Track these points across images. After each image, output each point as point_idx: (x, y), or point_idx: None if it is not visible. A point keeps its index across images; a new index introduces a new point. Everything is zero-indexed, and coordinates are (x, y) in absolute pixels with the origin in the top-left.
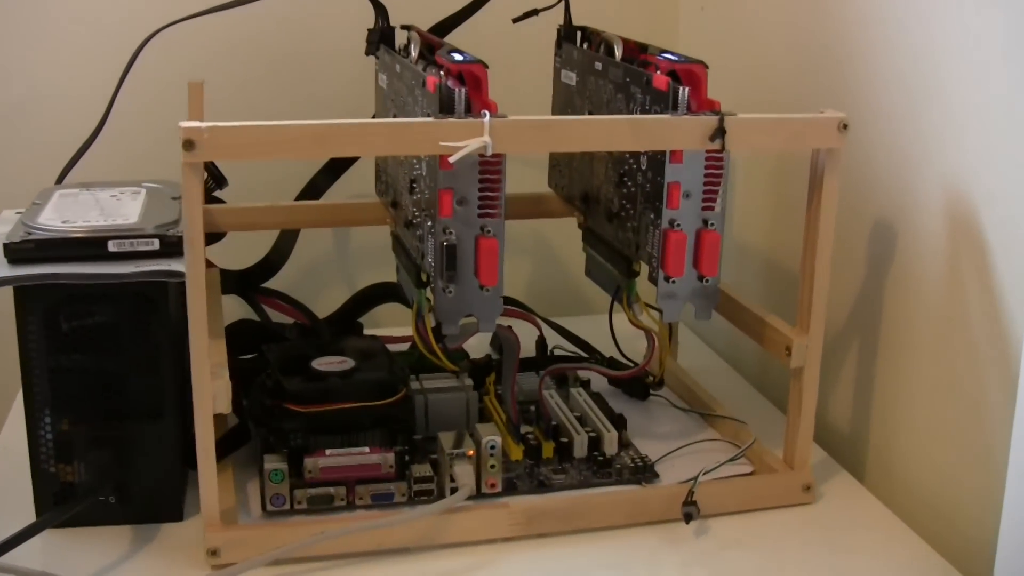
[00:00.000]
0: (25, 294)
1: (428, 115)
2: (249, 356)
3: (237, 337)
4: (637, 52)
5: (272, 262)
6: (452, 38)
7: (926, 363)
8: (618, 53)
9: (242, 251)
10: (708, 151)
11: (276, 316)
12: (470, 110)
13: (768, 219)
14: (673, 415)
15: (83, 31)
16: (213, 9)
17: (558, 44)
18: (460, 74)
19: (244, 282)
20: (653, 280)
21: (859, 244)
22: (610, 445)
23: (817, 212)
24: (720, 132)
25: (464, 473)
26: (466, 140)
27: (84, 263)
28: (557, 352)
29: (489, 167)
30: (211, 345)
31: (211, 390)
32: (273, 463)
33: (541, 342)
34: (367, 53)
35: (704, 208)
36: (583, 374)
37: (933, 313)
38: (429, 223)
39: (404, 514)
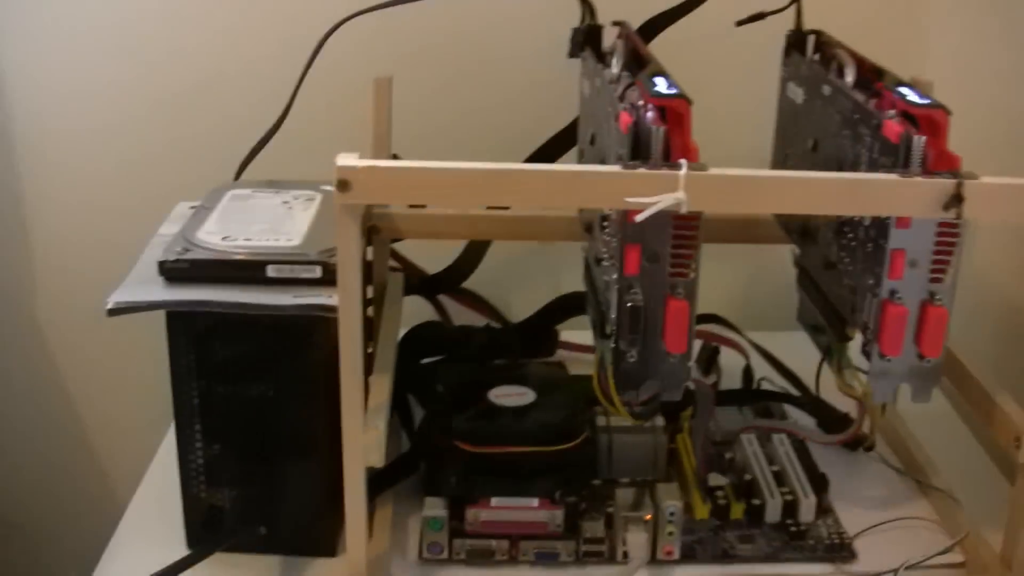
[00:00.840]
0: (177, 317)
1: (619, 156)
2: (433, 360)
3: (421, 340)
4: (872, 77)
5: (461, 268)
6: (664, 38)
7: None
8: (849, 78)
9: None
10: None
11: (466, 316)
12: (668, 154)
13: (1016, 258)
14: (883, 476)
15: (273, 14)
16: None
17: (786, 52)
18: (661, 109)
19: (431, 286)
20: (866, 353)
21: None
22: (807, 512)
23: None
24: (956, 200)
25: (637, 543)
26: (656, 196)
27: (241, 287)
28: (764, 385)
29: (685, 222)
30: (375, 383)
31: (361, 442)
32: (433, 510)
33: (747, 373)
34: (570, 55)
35: (932, 280)
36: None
37: None
38: (615, 275)
39: None
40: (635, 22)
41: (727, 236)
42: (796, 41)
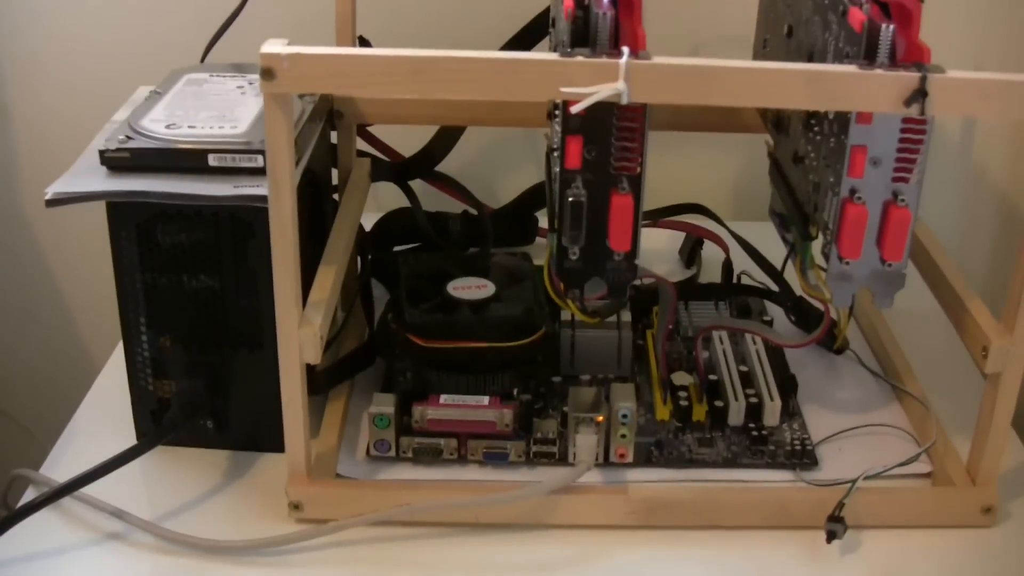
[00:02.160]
0: (117, 209)
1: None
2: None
3: (394, 227)
4: None
5: (433, 153)
6: None
7: None
8: None
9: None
10: None
11: (445, 201)
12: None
13: (1012, 153)
14: (859, 378)
15: None
16: None
17: None
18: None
19: (401, 171)
20: (826, 255)
21: None
22: (771, 416)
23: None
24: (919, 95)
25: (586, 446)
26: (595, 86)
27: (182, 177)
28: (744, 280)
29: (629, 113)
30: (320, 276)
31: (296, 338)
32: (380, 406)
33: (726, 266)
34: None
35: (896, 179)
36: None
37: None
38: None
39: (501, 495)
40: None
41: (706, 124)
42: None
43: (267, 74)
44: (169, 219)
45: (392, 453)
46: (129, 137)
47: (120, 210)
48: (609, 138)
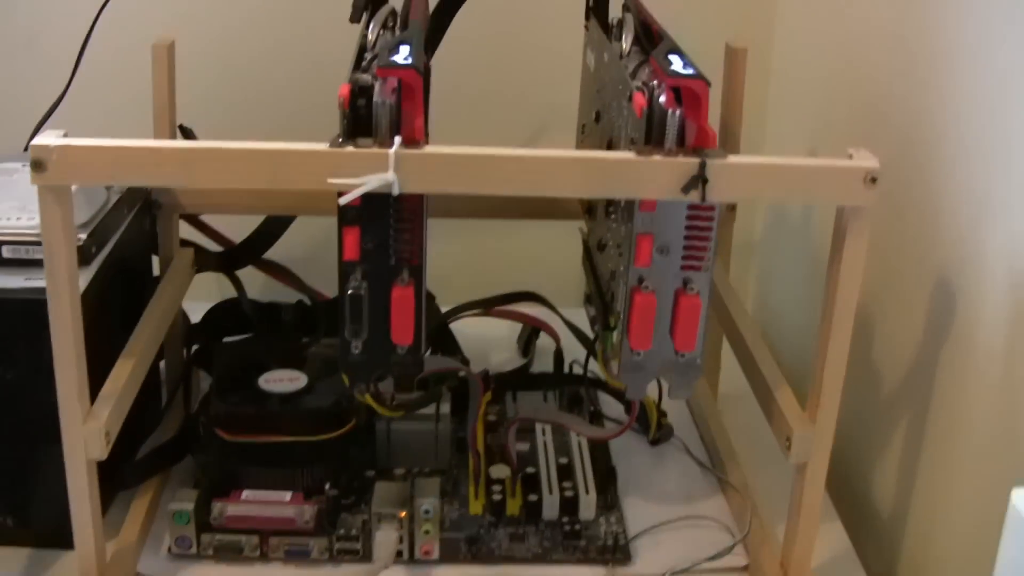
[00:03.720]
0: None
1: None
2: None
3: (224, 318)
4: (655, 41)
5: (258, 241)
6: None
7: (981, 442)
8: (625, 43)
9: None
10: None
11: (282, 291)
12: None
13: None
14: (684, 466)
15: None
16: None
17: (586, 15)
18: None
19: (224, 261)
20: (618, 346)
21: (917, 299)
22: (587, 509)
23: (835, 280)
24: (698, 180)
25: (384, 542)
26: (364, 176)
27: None
28: (576, 369)
29: (406, 204)
30: (116, 369)
31: (82, 434)
32: (180, 502)
33: (558, 355)
34: (352, 20)
35: (685, 267)
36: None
37: (992, 387)
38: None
39: None
40: None
41: (526, 211)
42: (597, 3)
43: (37, 166)
44: None
45: (194, 550)
46: None
47: None
48: (387, 228)
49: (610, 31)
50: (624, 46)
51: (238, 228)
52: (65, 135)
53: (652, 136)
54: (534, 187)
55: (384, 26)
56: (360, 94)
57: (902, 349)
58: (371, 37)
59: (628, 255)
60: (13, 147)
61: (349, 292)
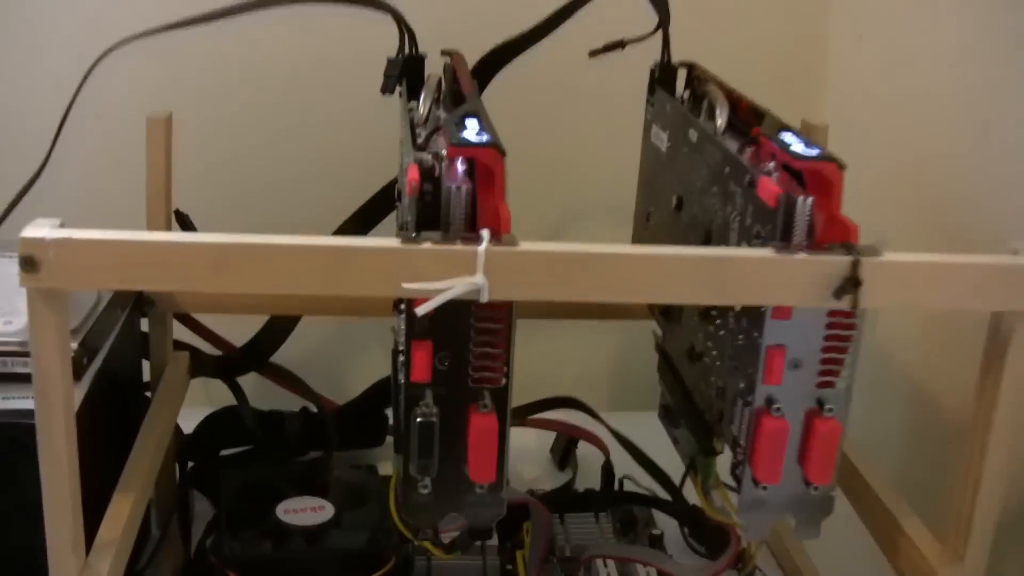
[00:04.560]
0: None
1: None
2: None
3: (221, 429)
4: (751, 120)
5: (261, 345)
6: (510, 72)
7: None
8: (720, 121)
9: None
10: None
11: (285, 399)
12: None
13: (918, 333)
14: None
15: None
16: (186, 22)
17: (651, 89)
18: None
19: (223, 366)
20: (736, 477)
21: None
22: None
23: (993, 397)
24: (851, 284)
25: None
26: (446, 280)
27: None
28: (628, 485)
29: (491, 312)
30: (114, 506)
31: None
32: None
33: (606, 470)
34: (383, 90)
35: (821, 384)
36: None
37: None
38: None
39: None
40: (472, 56)
41: (575, 311)
42: (663, 76)
43: (29, 264)
44: None
45: None
46: None
47: None
48: (466, 343)
49: (693, 107)
50: (719, 123)
51: (228, 326)
52: (62, 225)
53: (790, 230)
54: (652, 292)
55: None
56: (426, 178)
57: None
58: (422, 110)
59: (752, 371)
60: None
61: (419, 420)
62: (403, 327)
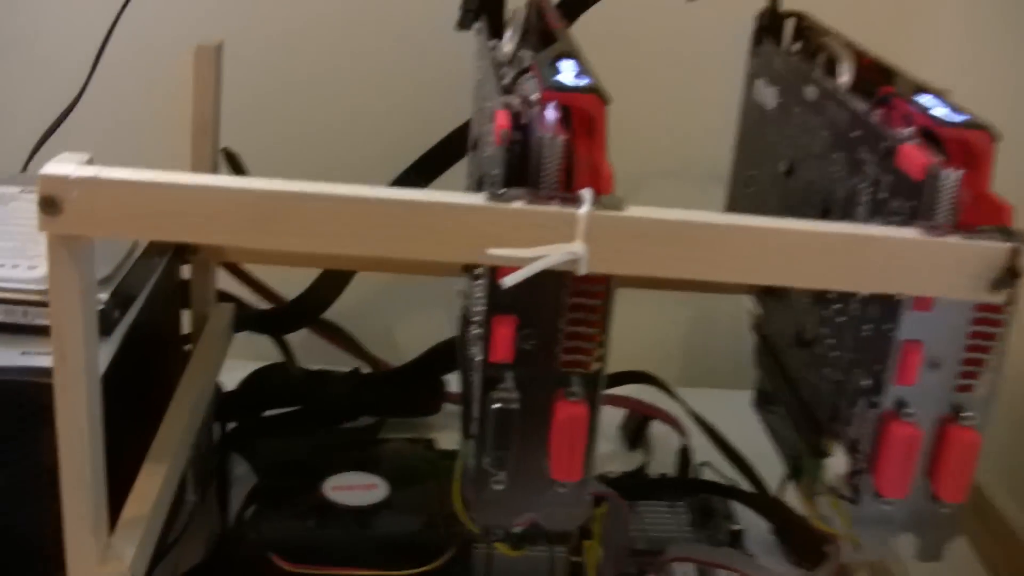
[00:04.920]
0: None
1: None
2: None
3: (265, 388)
4: (878, 79)
5: (313, 301)
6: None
7: None
8: (846, 77)
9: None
10: None
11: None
12: (569, 179)
13: None
14: None
15: None
16: None
17: (756, 39)
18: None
19: (272, 321)
20: (854, 486)
21: None
22: None
23: None
24: (1010, 275)
25: None
26: (540, 247)
27: None
28: (707, 473)
29: (588, 286)
30: (142, 479)
31: None
32: None
33: (683, 455)
34: (459, 26)
35: (959, 388)
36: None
37: None
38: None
39: None
40: None
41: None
42: (770, 25)
43: (48, 206)
44: None
45: None
46: None
47: None
48: (556, 320)
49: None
50: (843, 79)
51: (277, 276)
52: (90, 162)
53: (933, 207)
54: (782, 273)
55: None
56: (515, 125)
57: None
58: (508, 48)
59: (880, 368)
60: (9, 164)
61: (497, 406)
62: (479, 295)
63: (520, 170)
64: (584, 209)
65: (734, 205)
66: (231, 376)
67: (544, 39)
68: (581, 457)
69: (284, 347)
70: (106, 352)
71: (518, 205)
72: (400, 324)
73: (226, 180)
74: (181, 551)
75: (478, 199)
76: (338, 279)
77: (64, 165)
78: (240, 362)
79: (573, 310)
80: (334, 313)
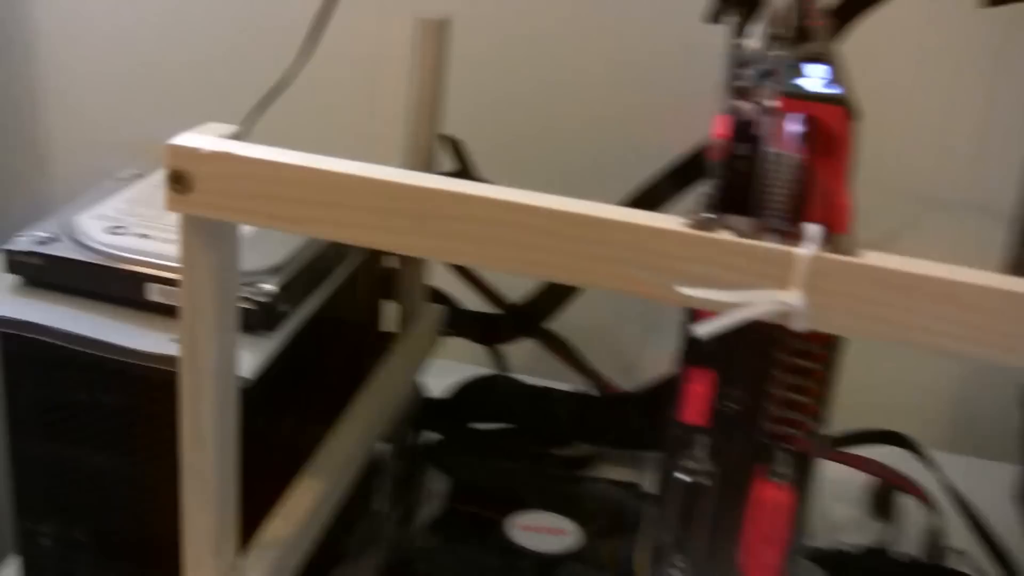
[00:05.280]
0: (13, 343)
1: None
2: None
3: (480, 399)
4: None
5: (536, 308)
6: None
7: None
8: None
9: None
10: None
11: (554, 370)
12: (796, 208)
13: None
14: None
15: None
16: None
17: None
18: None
19: (488, 328)
20: None
21: None
22: None
23: None
24: None
25: None
26: (746, 291)
27: (105, 309)
28: (962, 563)
29: (805, 344)
30: (296, 490)
31: None
32: None
33: (933, 537)
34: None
35: None
36: None
37: None
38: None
39: None
40: None
41: None
42: None
43: (177, 181)
44: (77, 369)
45: None
46: (52, 238)
47: (16, 346)
48: (764, 381)
49: None
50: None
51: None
52: (237, 136)
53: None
54: None
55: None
56: (741, 136)
57: None
58: (753, 45)
59: None
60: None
61: (681, 476)
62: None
63: (738, 191)
64: (808, 249)
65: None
66: (439, 381)
67: (802, 40)
68: (780, 552)
69: (498, 356)
70: (265, 350)
71: (724, 235)
72: (636, 343)
73: (381, 170)
74: (356, 566)
75: (673, 221)
76: (566, 287)
77: (198, 136)
78: (454, 364)
79: (786, 371)
80: (560, 322)
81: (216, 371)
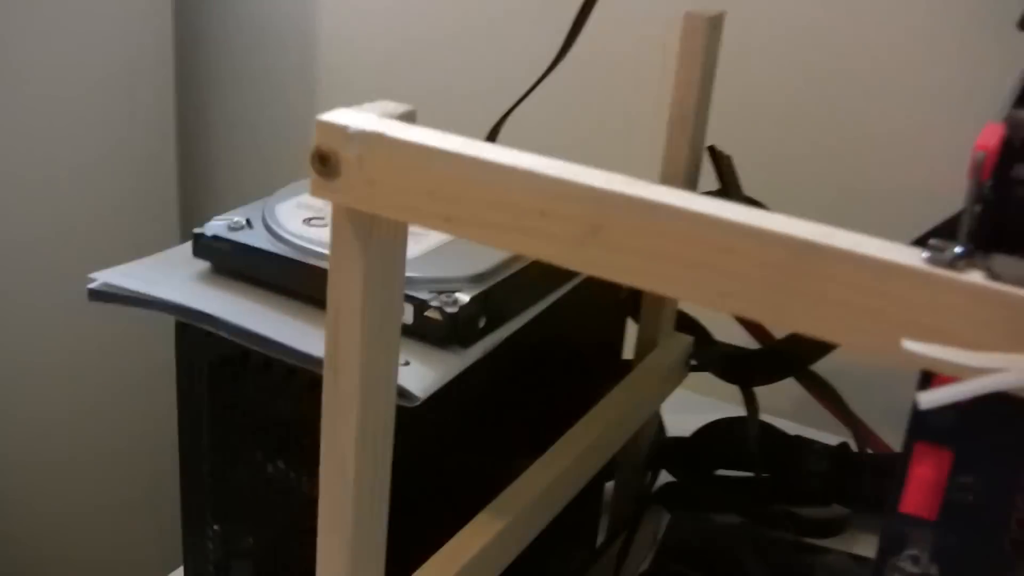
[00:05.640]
0: (188, 332)
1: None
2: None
3: (724, 444)
4: None
5: (803, 350)
6: None
7: None
8: None
9: None
10: None
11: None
12: None
13: None
14: None
15: None
16: None
17: None
18: None
19: (741, 366)
20: None
21: None
22: None
23: None
24: None
25: None
26: (998, 355)
27: (289, 304)
28: None
29: None
30: (471, 532)
31: None
32: None
33: None
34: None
35: None
36: None
37: None
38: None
39: None
40: None
41: None
42: None
43: (322, 163)
44: (250, 365)
45: None
46: (242, 225)
47: (190, 337)
48: (1016, 470)
49: None
50: None
51: None
52: (406, 117)
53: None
54: None
55: None
56: (1016, 155)
57: None
58: None
59: None
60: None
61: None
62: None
63: (1005, 224)
64: None
65: None
66: (675, 417)
67: None
68: None
69: (751, 401)
70: (450, 367)
71: (973, 278)
72: (911, 393)
73: (562, 168)
74: None
75: (910, 255)
76: None
77: (352, 113)
78: (693, 396)
79: None
80: (829, 365)
81: (361, 395)
